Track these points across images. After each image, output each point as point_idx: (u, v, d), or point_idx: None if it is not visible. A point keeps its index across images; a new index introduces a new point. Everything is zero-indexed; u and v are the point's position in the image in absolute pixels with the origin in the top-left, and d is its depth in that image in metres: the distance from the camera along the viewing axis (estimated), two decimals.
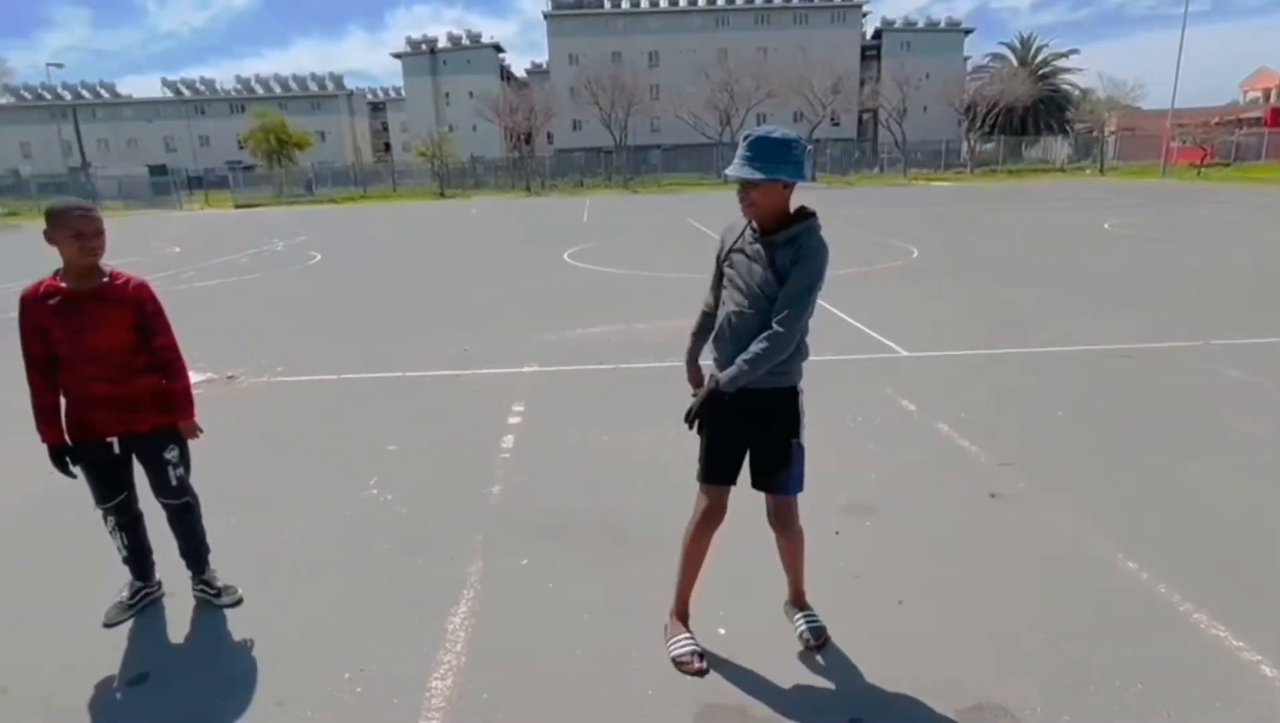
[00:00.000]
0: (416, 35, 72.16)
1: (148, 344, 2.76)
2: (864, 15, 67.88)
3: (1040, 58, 65.45)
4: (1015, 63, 64.39)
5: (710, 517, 2.63)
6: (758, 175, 2.28)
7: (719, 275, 2.61)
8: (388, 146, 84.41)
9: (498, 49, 72.66)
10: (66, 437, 2.79)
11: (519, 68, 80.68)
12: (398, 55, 71.98)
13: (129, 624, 2.98)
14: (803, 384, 2.55)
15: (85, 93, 74.69)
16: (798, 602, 2.83)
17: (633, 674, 2.60)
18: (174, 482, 2.92)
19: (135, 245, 20.41)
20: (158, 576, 3.14)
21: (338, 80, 76.83)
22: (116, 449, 2.85)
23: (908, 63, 57.38)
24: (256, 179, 52.27)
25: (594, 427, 5.03)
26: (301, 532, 3.70)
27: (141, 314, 2.71)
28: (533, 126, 54.43)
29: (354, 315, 9.54)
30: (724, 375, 2.41)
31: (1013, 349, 6.81)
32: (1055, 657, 2.60)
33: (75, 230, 2.54)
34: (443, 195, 46.83)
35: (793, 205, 2.43)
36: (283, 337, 8.35)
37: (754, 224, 2.45)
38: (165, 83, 76.77)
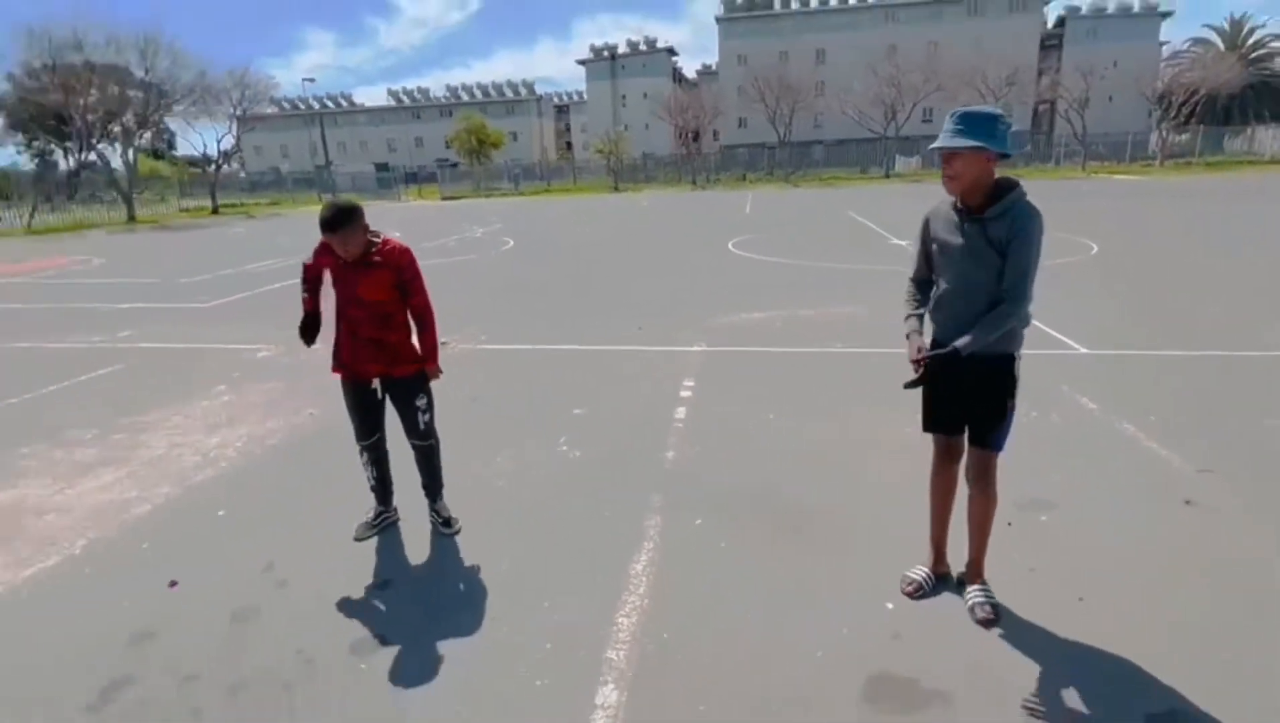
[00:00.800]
0: (599, 43, 74.08)
1: (406, 302, 3.12)
2: (1047, 3, 61.10)
3: (1253, 39, 56.18)
4: (1221, 46, 55.66)
5: (941, 458, 2.72)
6: (965, 142, 2.25)
7: (926, 254, 2.60)
8: (569, 145, 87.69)
9: (671, 52, 73.00)
10: (339, 371, 3.21)
11: (690, 69, 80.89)
12: (582, 62, 74.37)
13: (374, 541, 3.37)
14: (1020, 351, 2.50)
15: (329, 103, 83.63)
16: (974, 574, 2.72)
17: (805, 635, 2.59)
18: (422, 426, 3.29)
19: None
20: (394, 502, 3.53)
21: (529, 86, 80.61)
22: (380, 395, 3.23)
23: (1093, 50, 51.18)
24: (459, 175, 56.26)
25: (759, 405, 5.00)
26: (507, 478, 4.00)
27: (400, 276, 3.07)
28: (701, 125, 54.24)
29: (543, 294, 10.07)
30: (962, 342, 2.39)
31: (1208, 351, 5.96)
32: (1259, 680, 2.29)
33: (331, 246, 2.94)
34: (616, 189, 48.05)
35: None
36: (485, 310, 8.99)
37: (959, 203, 2.40)
38: (389, 92, 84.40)
